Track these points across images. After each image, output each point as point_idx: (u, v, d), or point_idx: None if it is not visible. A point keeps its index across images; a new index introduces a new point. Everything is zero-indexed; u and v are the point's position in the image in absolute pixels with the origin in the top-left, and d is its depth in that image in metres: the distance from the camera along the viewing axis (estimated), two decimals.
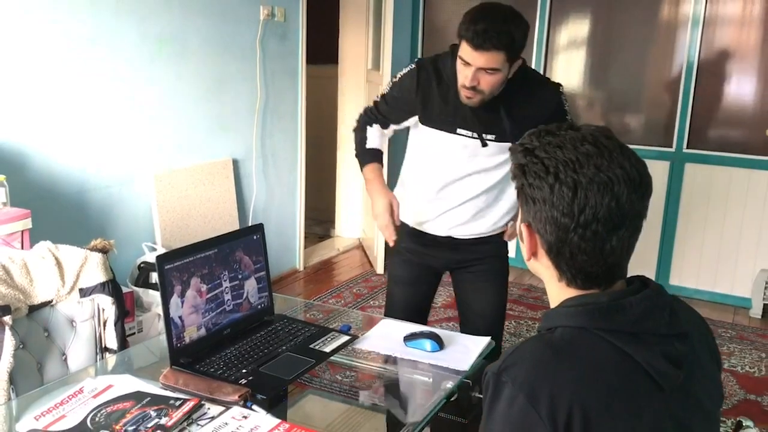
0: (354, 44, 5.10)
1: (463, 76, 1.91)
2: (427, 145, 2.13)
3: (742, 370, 3.41)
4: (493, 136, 2.03)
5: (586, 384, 0.95)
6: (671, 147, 4.35)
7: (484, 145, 2.04)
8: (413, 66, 2.11)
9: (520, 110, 2.01)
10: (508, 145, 2.04)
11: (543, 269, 1.09)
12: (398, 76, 2.15)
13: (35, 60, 2.81)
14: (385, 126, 2.20)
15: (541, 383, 0.95)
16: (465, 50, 1.87)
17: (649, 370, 0.98)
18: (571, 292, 1.06)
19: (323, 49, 5.24)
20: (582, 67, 4.69)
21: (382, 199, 2.07)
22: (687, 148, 4.32)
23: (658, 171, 4.38)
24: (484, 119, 2.02)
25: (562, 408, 0.93)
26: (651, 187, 1.04)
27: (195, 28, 3.56)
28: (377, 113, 2.20)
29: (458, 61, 1.92)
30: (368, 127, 2.21)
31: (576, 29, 4.66)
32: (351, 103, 5.19)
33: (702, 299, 4.36)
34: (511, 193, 2.16)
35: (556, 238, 1.02)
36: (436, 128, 2.07)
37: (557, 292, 1.08)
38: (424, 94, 2.06)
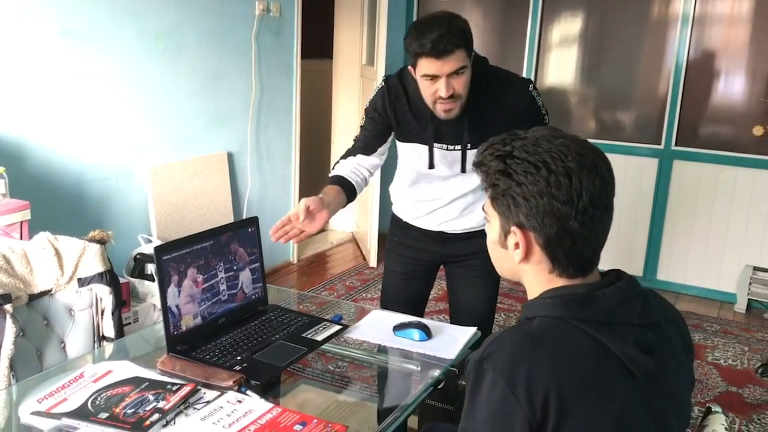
0: (349, 39, 5.13)
1: (433, 90, 1.88)
2: (409, 156, 2.15)
3: (724, 363, 3.48)
4: (469, 144, 2.03)
5: (561, 370, 1.01)
6: (660, 144, 4.41)
7: (464, 170, 2.06)
8: (382, 85, 2.10)
9: (491, 113, 2.00)
10: None
11: (531, 267, 1.13)
12: (369, 100, 2.15)
13: (34, 55, 2.85)
14: (370, 151, 2.14)
15: (519, 370, 1.00)
16: (428, 65, 1.84)
17: (621, 357, 1.03)
18: (559, 283, 1.11)
19: (318, 44, 5.27)
20: (573, 64, 4.74)
21: (302, 201, 1.89)
22: (675, 145, 4.38)
23: (647, 168, 4.44)
24: (456, 132, 2.02)
25: (539, 392, 0.98)
26: None
27: (191, 24, 3.59)
28: (359, 144, 2.16)
29: (423, 82, 1.89)
30: (342, 160, 2.17)
31: (567, 27, 4.70)
32: (345, 98, 5.23)
33: (688, 294, 4.43)
34: None
35: (558, 228, 1.06)
36: (413, 142, 2.08)
37: (543, 284, 1.12)
38: (395, 111, 2.06)
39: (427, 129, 2.03)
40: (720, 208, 4.32)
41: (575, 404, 0.99)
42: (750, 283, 4.18)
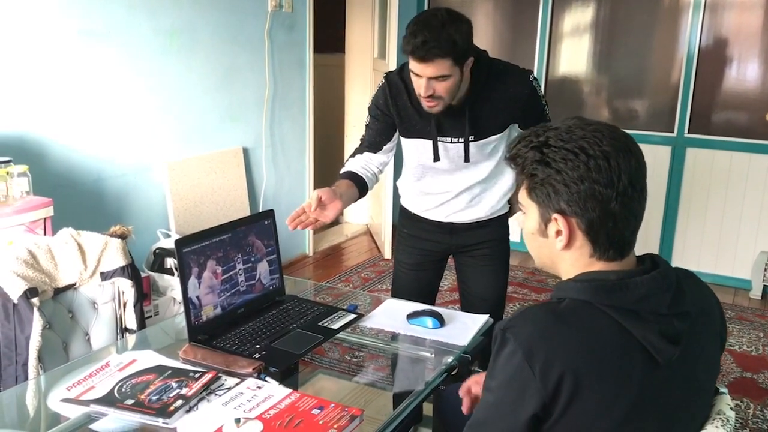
0: (360, 33, 5.15)
1: (418, 86, 1.92)
2: (413, 151, 2.17)
3: (740, 349, 3.49)
4: (472, 137, 2.06)
5: (580, 351, 1.03)
6: (673, 132, 4.41)
7: (467, 159, 2.08)
8: (383, 82, 2.13)
9: (493, 105, 2.03)
10: (492, 138, 2.09)
11: (571, 254, 1.14)
12: (372, 97, 2.17)
13: (53, 55, 2.91)
14: (377, 149, 2.18)
15: (539, 344, 1.03)
16: (412, 63, 1.88)
17: (645, 344, 1.05)
18: (597, 266, 1.13)
19: (330, 38, 5.30)
20: (585, 53, 4.73)
21: (315, 192, 1.97)
22: (688, 132, 4.37)
23: (660, 155, 4.44)
24: (458, 124, 2.04)
25: (555, 370, 1.02)
26: None
27: (205, 21, 3.64)
28: (365, 143, 2.19)
29: (411, 75, 1.93)
30: (351, 159, 2.20)
31: (579, 16, 4.70)
32: (358, 92, 5.26)
33: (703, 281, 4.41)
34: (507, 178, 2.21)
35: (600, 211, 1.08)
36: (417, 137, 2.11)
37: (581, 268, 1.14)
38: (397, 107, 2.08)
39: (430, 123, 2.05)
40: (734, 194, 4.31)
41: (589, 387, 1.02)
42: (765, 269, 4.17)
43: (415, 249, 2.33)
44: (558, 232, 1.13)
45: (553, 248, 1.15)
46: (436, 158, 2.10)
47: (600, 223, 1.09)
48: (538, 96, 2.09)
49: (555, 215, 1.12)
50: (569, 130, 1.10)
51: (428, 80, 1.88)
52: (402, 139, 2.19)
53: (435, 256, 2.34)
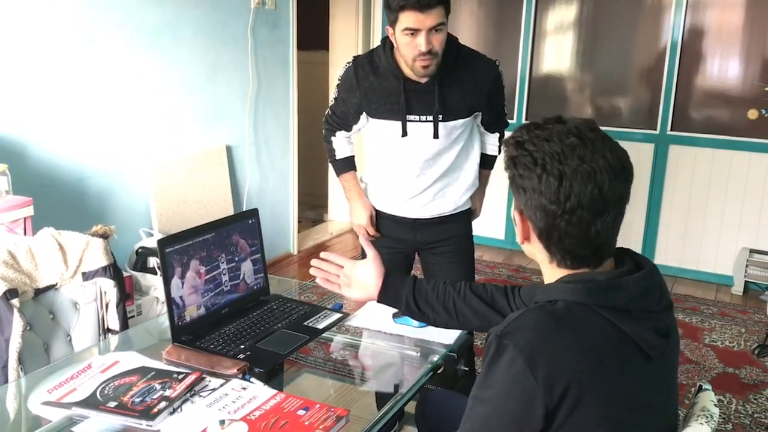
0: (344, 30, 5.15)
1: (414, 45, 1.98)
2: (381, 136, 2.22)
3: (722, 345, 3.52)
4: (441, 116, 2.12)
5: (582, 355, 1.03)
6: (655, 129, 4.44)
7: (436, 136, 2.14)
8: (349, 64, 2.20)
9: (461, 85, 2.12)
10: (459, 122, 2.15)
11: (536, 252, 1.18)
12: (339, 78, 2.24)
13: (34, 53, 2.87)
14: (348, 129, 2.30)
15: (541, 350, 1.03)
16: (410, 18, 1.94)
17: (639, 342, 1.07)
18: (563, 272, 1.15)
19: (314, 35, 5.28)
20: (568, 51, 4.75)
21: (363, 212, 2.32)
22: (671, 130, 4.40)
23: (643, 153, 4.47)
24: (427, 101, 2.11)
25: (561, 379, 1.01)
26: (632, 173, 1.13)
27: (187, 18, 3.61)
28: (336, 119, 2.31)
29: (403, 37, 1.99)
30: (333, 138, 2.33)
31: (562, 14, 4.71)
32: None
33: (686, 277, 4.46)
34: (469, 172, 2.28)
35: (546, 224, 1.11)
36: (385, 118, 2.16)
37: (550, 271, 1.17)
38: (364, 88, 2.16)
39: (399, 101, 2.11)
40: (716, 191, 4.35)
41: (592, 391, 1.03)
42: (747, 266, 4.21)
43: (381, 249, 2.32)
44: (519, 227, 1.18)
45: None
46: (404, 134, 2.14)
47: (547, 234, 1.12)
48: (502, 83, 2.22)
49: (516, 212, 1.17)
50: (549, 137, 1.10)
51: (427, 33, 1.96)
52: (370, 119, 2.22)
53: (401, 255, 2.38)
